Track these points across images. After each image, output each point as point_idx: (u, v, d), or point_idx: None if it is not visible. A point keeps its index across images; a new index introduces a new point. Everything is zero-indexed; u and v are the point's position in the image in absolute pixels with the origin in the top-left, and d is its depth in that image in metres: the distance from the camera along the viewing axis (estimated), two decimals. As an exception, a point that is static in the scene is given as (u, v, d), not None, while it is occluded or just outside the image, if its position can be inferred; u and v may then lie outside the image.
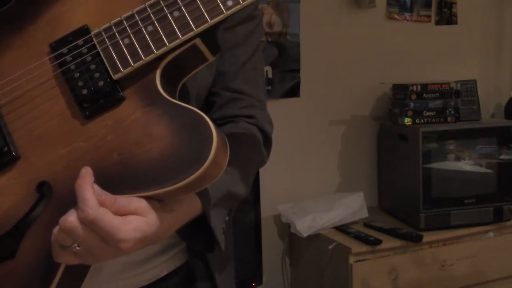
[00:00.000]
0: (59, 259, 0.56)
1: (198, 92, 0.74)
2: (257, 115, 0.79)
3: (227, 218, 0.73)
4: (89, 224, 0.53)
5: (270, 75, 2.06)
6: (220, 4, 0.55)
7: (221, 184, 0.68)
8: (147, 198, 0.56)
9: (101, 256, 0.55)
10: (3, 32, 0.62)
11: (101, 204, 0.54)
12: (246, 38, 0.77)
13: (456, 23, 2.38)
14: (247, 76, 0.78)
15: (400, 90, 2.09)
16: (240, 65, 0.78)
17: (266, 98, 0.84)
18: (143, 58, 0.57)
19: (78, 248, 0.55)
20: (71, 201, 0.55)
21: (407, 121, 2.03)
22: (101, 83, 0.58)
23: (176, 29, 0.56)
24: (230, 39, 0.76)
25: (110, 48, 0.58)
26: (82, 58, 0.59)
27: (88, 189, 0.54)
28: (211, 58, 0.61)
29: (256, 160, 0.80)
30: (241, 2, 0.55)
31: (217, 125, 0.76)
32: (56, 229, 0.55)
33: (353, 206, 2.01)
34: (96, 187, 0.55)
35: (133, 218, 0.55)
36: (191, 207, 0.64)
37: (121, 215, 0.55)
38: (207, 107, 0.78)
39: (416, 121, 2.04)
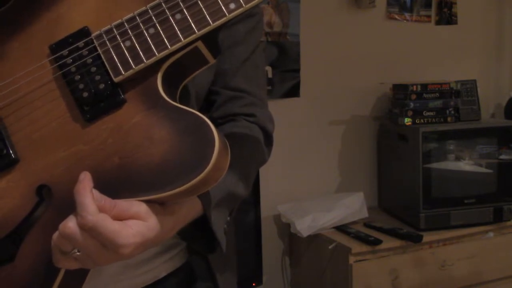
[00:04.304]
0: (59, 264, 0.56)
1: (198, 91, 0.73)
2: (257, 113, 0.78)
3: (228, 218, 0.72)
4: (89, 230, 0.53)
5: (270, 75, 2.06)
6: (223, 7, 0.54)
7: (222, 185, 0.68)
8: (147, 201, 0.56)
9: (102, 261, 0.55)
10: (3, 33, 0.62)
11: (101, 209, 0.53)
12: (246, 36, 0.77)
13: (456, 23, 2.37)
14: (248, 74, 0.78)
15: (400, 90, 2.09)
16: (240, 63, 0.77)
17: (267, 96, 0.84)
18: (145, 61, 0.56)
19: (78, 253, 0.54)
20: (71, 204, 0.54)
21: (407, 121, 2.03)
22: (102, 86, 0.57)
23: (178, 32, 0.56)
24: (229, 37, 0.75)
25: (111, 51, 0.57)
26: (82, 60, 0.58)
27: (87, 195, 0.53)
28: (212, 61, 0.61)
29: (256, 159, 0.79)
30: (244, 5, 0.54)
31: (218, 124, 0.75)
32: (55, 235, 0.55)
33: (353, 206, 2.00)
34: (96, 192, 0.54)
35: (133, 223, 0.54)
36: (192, 209, 0.64)
37: (121, 219, 0.54)
38: (207, 105, 0.78)
39: (416, 121, 2.03)
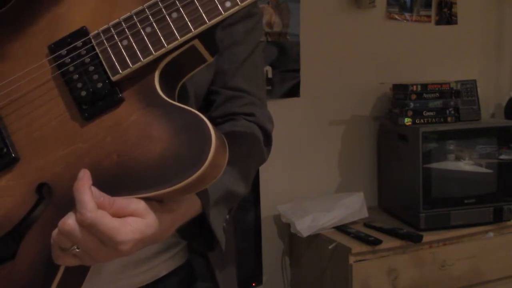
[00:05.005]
0: (59, 261, 0.56)
1: (196, 90, 0.74)
2: (257, 113, 0.79)
3: (227, 216, 0.73)
4: (88, 227, 0.53)
5: (270, 75, 2.06)
6: (219, 5, 0.55)
7: (221, 183, 0.69)
8: (146, 199, 0.56)
9: (101, 258, 0.55)
10: (4, 33, 0.62)
11: (100, 206, 0.54)
12: (245, 36, 0.77)
13: (456, 23, 2.38)
14: (247, 74, 0.78)
15: (400, 90, 2.09)
16: (239, 63, 0.77)
17: (267, 96, 0.84)
18: (142, 59, 0.57)
19: (77, 250, 0.55)
20: (71, 202, 0.55)
21: (407, 121, 2.03)
22: (99, 85, 0.58)
23: (175, 30, 0.56)
24: (228, 37, 0.75)
25: (109, 50, 0.58)
26: (81, 59, 0.59)
27: (86, 192, 0.54)
28: (209, 59, 0.61)
29: (256, 158, 0.80)
30: (240, 3, 0.55)
31: (217, 123, 0.76)
32: (55, 232, 0.55)
33: (353, 206, 2.01)
34: (94, 189, 0.55)
35: (132, 220, 0.55)
36: (190, 207, 0.64)
37: (120, 216, 0.55)
38: (206, 105, 0.78)
39: (416, 121, 2.04)
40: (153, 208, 0.57)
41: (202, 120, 0.55)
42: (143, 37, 0.57)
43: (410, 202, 2.01)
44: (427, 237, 1.90)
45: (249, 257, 1.93)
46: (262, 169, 1.77)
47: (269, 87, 2.05)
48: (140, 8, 0.57)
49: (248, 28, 0.78)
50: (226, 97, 0.77)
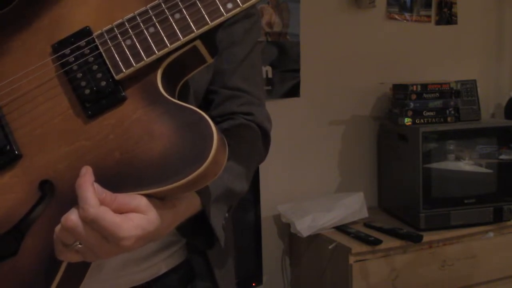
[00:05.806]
0: (61, 257, 0.57)
1: (196, 90, 0.74)
2: (255, 112, 0.79)
3: (226, 214, 0.73)
4: (90, 223, 0.54)
5: (270, 75, 2.07)
6: (220, 7, 0.56)
7: (220, 181, 0.69)
8: (147, 195, 0.57)
9: (103, 254, 0.56)
10: (5, 33, 0.63)
11: (102, 202, 0.54)
12: (243, 36, 0.78)
13: (456, 23, 2.38)
14: (245, 74, 0.79)
15: (400, 90, 2.10)
16: (238, 63, 0.78)
17: (265, 95, 0.85)
18: (145, 59, 0.58)
19: (80, 246, 0.56)
20: (73, 199, 0.56)
21: (407, 121, 2.04)
22: (103, 83, 0.58)
23: (177, 31, 0.57)
24: (227, 37, 0.76)
25: (112, 49, 0.58)
26: (84, 58, 0.59)
27: (89, 188, 0.54)
28: (210, 60, 0.62)
29: (254, 157, 0.81)
30: (241, 5, 0.56)
31: (216, 122, 0.76)
32: (58, 228, 0.56)
33: (353, 206, 2.01)
34: (97, 185, 0.55)
35: (134, 216, 0.56)
36: (191, 204, 0.65)
37: (122, 213, 0.55)
38: (205, 104, 0.79)
39: (416, 121, 2.04)
40: (154, 205, 0.57)
41: (204, 118, 0.55)
42: (146, 37, 0.58)
43: (410, 202, 2.02)
44: (427, 237, 1.90)
45: (249, 257, 1.94)
46: (262, 169, 1.78)
47: (269, 87, 2.06)
48: (143, 8, 0.58)
49: (247, 28, 0.78)
50: (225, 96, 0.78)
